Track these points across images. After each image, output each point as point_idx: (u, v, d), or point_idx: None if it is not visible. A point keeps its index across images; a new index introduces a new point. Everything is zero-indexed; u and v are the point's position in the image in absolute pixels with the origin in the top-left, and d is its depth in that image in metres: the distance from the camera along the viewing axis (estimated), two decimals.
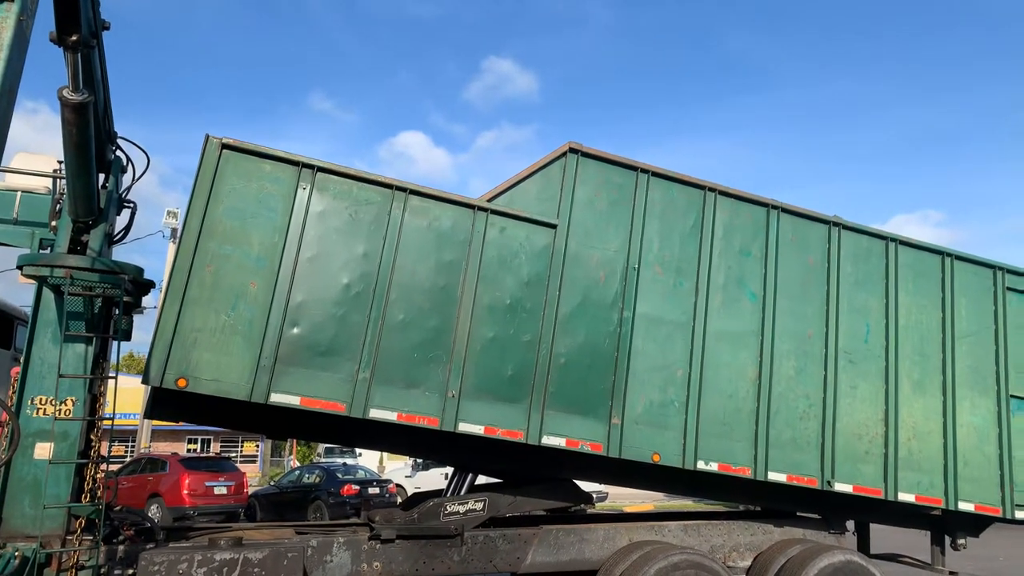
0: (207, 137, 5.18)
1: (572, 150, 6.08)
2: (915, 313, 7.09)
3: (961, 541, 7.58)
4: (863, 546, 7.74)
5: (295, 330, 5.21)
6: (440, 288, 5.61)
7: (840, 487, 6.55)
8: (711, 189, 6.51)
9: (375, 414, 5.29)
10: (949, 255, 7.31)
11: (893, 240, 7.12)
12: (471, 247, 5.70)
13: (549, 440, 5.71)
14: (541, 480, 6.71)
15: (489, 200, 5.86)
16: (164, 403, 5.70)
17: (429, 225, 5.66)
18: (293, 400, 5.13)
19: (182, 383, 4.90)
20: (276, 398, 5.08)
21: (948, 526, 7.55)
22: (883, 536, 8.02)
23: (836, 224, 6.93)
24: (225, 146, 5.19)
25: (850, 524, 7.72)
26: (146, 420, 26.29)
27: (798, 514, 7.37)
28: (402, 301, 5.49)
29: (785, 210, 6.76)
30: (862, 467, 6.67)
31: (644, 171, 6.29)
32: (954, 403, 7.06)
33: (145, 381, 4.94)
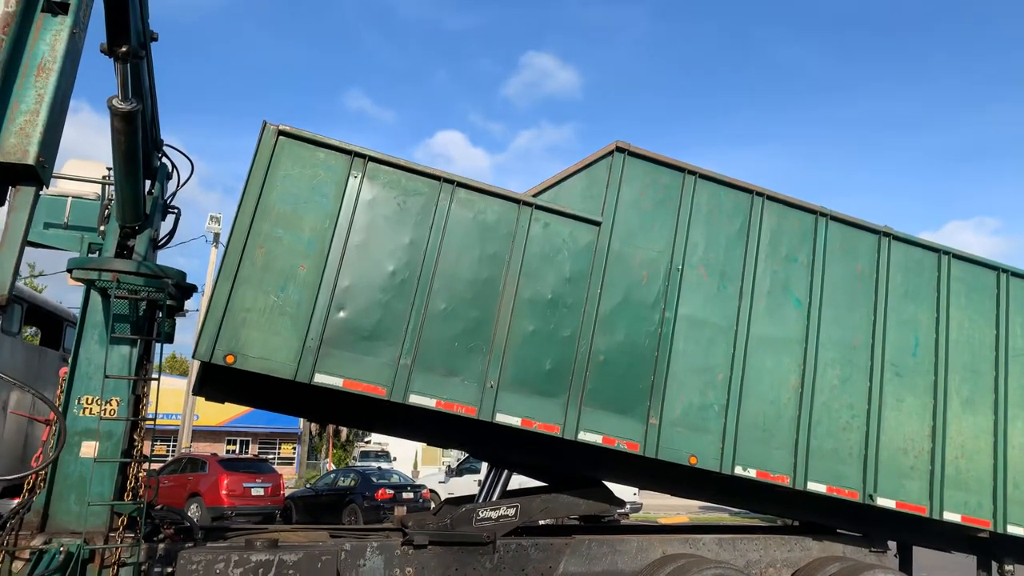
0: (264, 124, 5.36)
1: (619, 149, 6.12)
2: (967, 328, 6.90)
3: (1009, 567, 7.30)
4: (906, 568, 7.50)
5: (341, 314, 5.32)
6: (483, 280, 5.67)
7: (883, 502, 6.38)
8: (759, 194, 6.47)
9: (415, 400, 5.36)
10: (1005, 271, 7.10)
11: (946, 253, 6.96)
12: (515, 241, 5.76)
13: (585, 436, 5.70)
14: (574, 485, 6.68)
15: (534, 195, 5.91)
16: (211, 381, 5.86)
17: (474, 217, 5.74)
18: (336, 382, 5.23)
19: (230, 359, 5.05)
20: (320, 379, 5.19)
21: (995, 551, 7.28)
22: (927, 559, 7.76)
23: (887, 234, 6.81)
24: (281, 133, 5.36)
25: (892, 545, 7.50)
26: (187, 421, 26.94)
27: (838, 531, 7.19)
28: (445, 291, 5.57)
29: (834, 218, 6.66)
30: (906, 483, 6.49)
31: (691, 172, 6.28)
32: (1006, 423, 6.83)
33: (195, 356, 5.10)
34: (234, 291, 5.13)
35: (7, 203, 3.22)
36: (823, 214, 6.64)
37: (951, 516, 6.55)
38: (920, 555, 7.71)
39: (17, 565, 4.95)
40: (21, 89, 3.08)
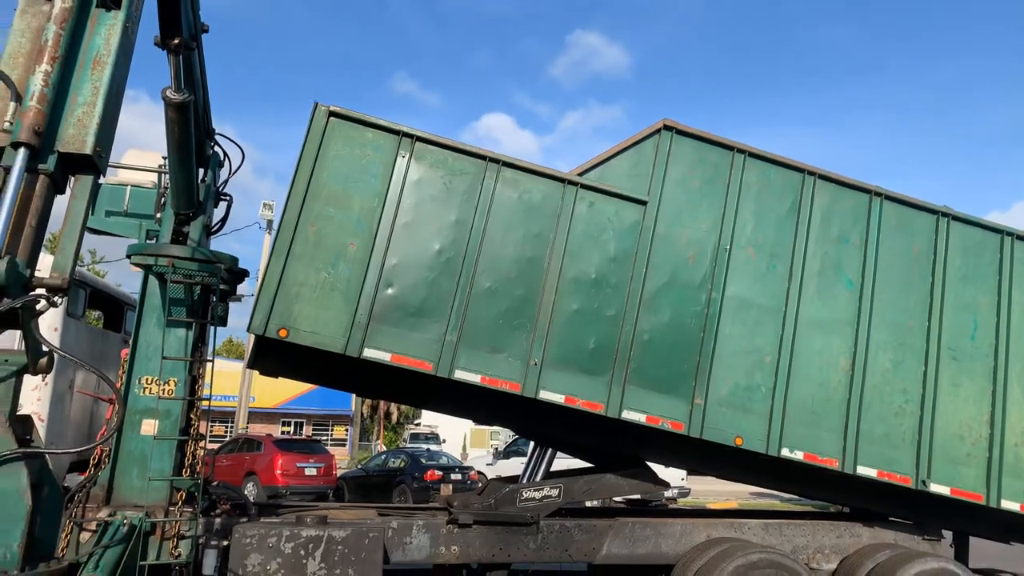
0: (316, 105, 5.50)
1: (666, 127, 6.07)
2: None
3: None
4: (961, 558, 7.28)
5: (389, 290, 5.45)
6: (527, 259, 5.72)
7: (936, 488, 6.23)
8: (810, 173, 6.34)
9: (460, 375, 5.46)
10: None
11: (1009, 234, 6.71)
12: (559, 220, 5.79)
13: (629, 415, 5.72)
14: (618, 466, 6.70)
15: (579, 175, 5.92)
16: (265, 355, 6.06)
17: (520, 197, 5.78)
18: (384, 356, 5.36)
19: (283, 333, 5.22)
20: (369, 353, 5.33)
21: None
22: (983, 549, 7.54)
23: (945, 215, 6.60)
24: (332, 114, 5.49)
25: (948, 535, 7.31)
26: (243, 402, 27.79)
27: (890, 518, 7.04)
28: (490, 269, 5.64)
29: (889, 197, 6.49)
30: (962, 469, 6.32)
31: (740, 151, 6.20)
32: None
33: (249, 330, 5.29)
34: (287, 267, 5.29)
35: (68, 191, 3.39)
36: (877, 193, 6.47)
37: (1009, 504, 6.35)
38: (977, 545, 7.49)
39: (84, 536, 5.20)
40: (78, 82, 3.24)
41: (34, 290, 3.10)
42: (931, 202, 6.63)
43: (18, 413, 3.33)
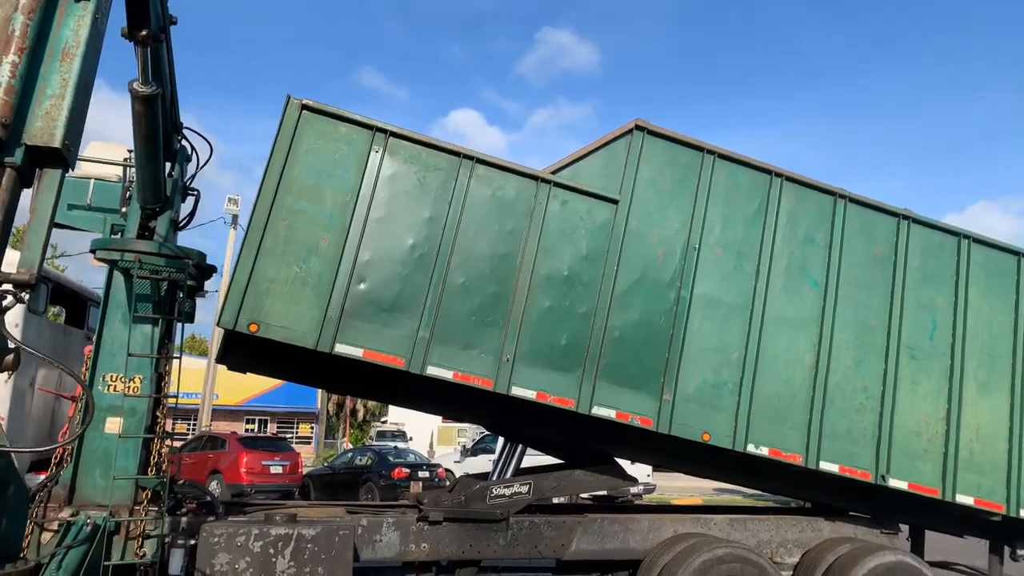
0: (288, 98, 5.45)
1: (638, 127, 6.14)
2: (986, 313, 6.88)
3: (1021, 552, 7.31)
4: (917, 550, 7.51)
5: (361, 286, 5.43)
6: (500, 256, 5.75)
7: (895, 483, 6.41)
8: (777, 174, 6.47)
9: (432, 371, 5.47)
10: None
11: (966, 237, 6.93)
12: (533, 217, 5.82)
13: (599, 411, 5.78)
14: (587, 462, 6.77)
15: (552, 173, 5.97)
16: (235, 350, 6.00)
17: (493, 194, 5.80)
18: (356, 352, 5.35)
19: (254, 328, 5.17)
20: (340, 348, 5.31)
21: (1008, 536, 7.29)
22: (938, 543, 7.79)
23: (906, 217, 6.79)
24: (305, 107, 5.45)
25: (904, 528, 7.53)
26: (207, 399, 27.36)
27: (850, 513, 7.23)
28: (463, 265, 5.65)
29: (853, 200, 6.66)
30: (919, 465, 6.51)
31: (710, 152, 6.30)
32: (1022, 408, 6.82)
33: (219, 324, 5.23)
34: (258, 262, 5.24)
35: (35, 186, 3.31)
36: (842, 196, 6.63)
37: (964, 499, 6.56)
38: (932, 540, 7.74)
39: (46, 536, 5.10)
40: (46, 74, 3.14)
41: (0, 286, 3.03)
42: (892, 205, 6.82)
43: None
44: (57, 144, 3.09)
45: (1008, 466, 6.72)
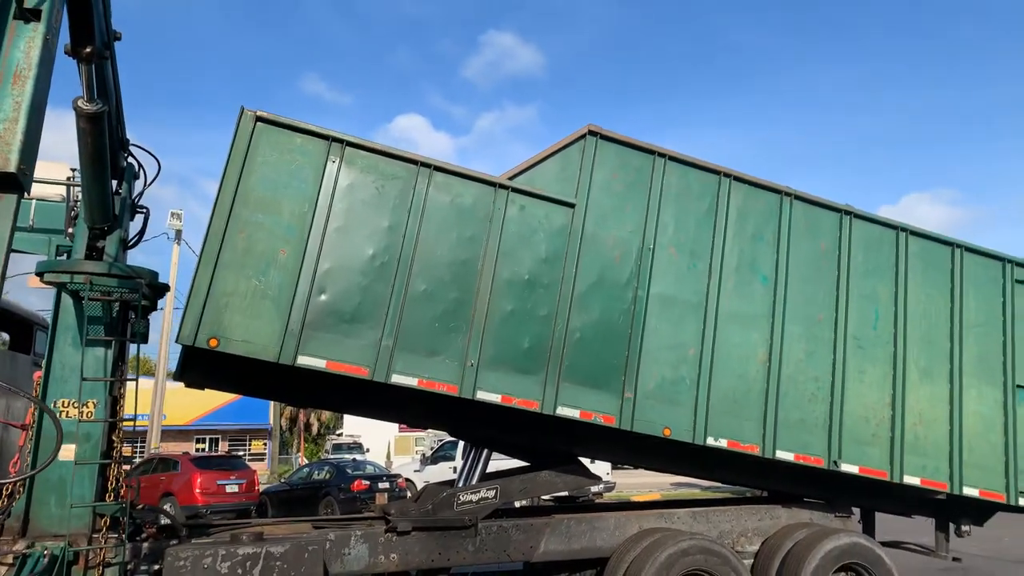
0: (242, 109, 5.39)
1: (591, 132, 6.26)
2: (924, 302, 7.22)
3: (965, 528, 7.69)
4: (869, 532, 7.83)
5: (322, 297, 5.40)
6: (461, 262, 5.79)
7: (846, 468, 6.68)
8: (726, 175, 6.67)
9: (397, 379, 5.47)
10: (959, 246, 7.43)
11: (904, 230, 7.26)
12: (492, 223, 5.88)
13: (564, 411, 5.87)
14: (552, 464, 6.85)
15: (510, 178, 6.05)
16: (193, 367, 5.88)
17: (452, 201, 5.84)
18: (319, 363, 5.31)
19: (214, 343, 5.09)
20: (303, 360, 5.27)
21: (952, 513, 7.66)
22: (888, 525, 8.13)
23: (848, 212, 7.08)
24: (259, 119, 5.39)
25: (857, 513, 7.83)
26: (155, 420, 26.56)
27: (805, 499, 7.49)
28: (425, 273, 5.67)
29: (798, 197, 6.91)
30: (868, 450, 6.79)
31: (661, 155, 6.46)
32: (961, 391, 7.18)
33: (178, 340, 5.14)
34: (216, 276, 5.16)
35: None
36: (787, 194, 6.88)
37: (911, 479, 6.88)
38: (882, 521, 8.07)
39: (1, 570, 4.94)
40: None
41: None
42: (835, 201, 7.11)
43: None
44: (12, 169, 3.02)
45: (950, 447, 7.07)
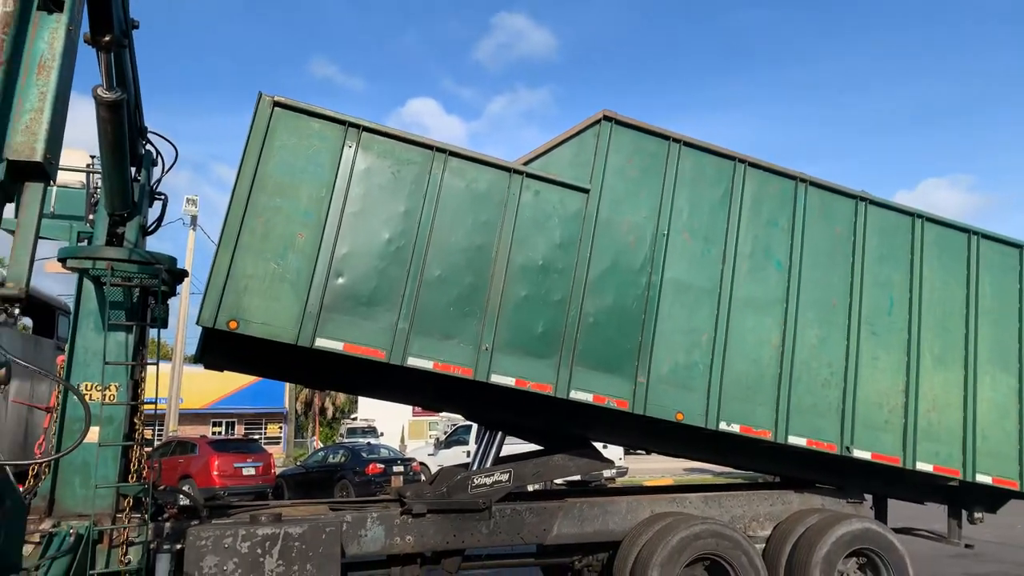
0: (260, 95, 5.45)
1: (606, 118, 6.28)
2: (939, 289, 7.19)
3: (978, 515, 7.69)
4: (881, 518, 7.84)
5: (339, 280, 5.48)
6: (476, 247, 5.84)
7: (859, 454, 6.70)
8: (741, 160, 6.67)
9: (413, 362, 5.54)
10: (975, 233, 7.39)
11: (919, 217, 7.22)
12: (506, 208, 5.92)
13: (577, 395, 5.92)
14: (565, 448, 6.92)
15: (524, 164, 6.07)
16: (213, 349, 5.99)
17: (467, 186, 5.89)
18: (337, 345, 5.40)
19: (233, 325, 5.19)
20: (321, 343, 5.35)
21: (965, 500, 7.66)
22: (900, 511, 8.15)
23: (863, 199, 7.05)
24: (277, 104, 5.46)
25: (869, 499, 7.85)
26: (174, 403, 26.92)
27: (817, 484, 7.52)
28: (440, 257, 5.73)
29: (813, 183, 6.89)
30: (881, 436, 6.80)
31: (676, 140, 6.47)
32: (975, 378, 7.16)
33: (198, 322, 5.24)
34: (235, 259, 5.25)
35: (21, 200, 3.30)
36: (802, 180, 6.86)
37: (923, 466, 6.88)
38: (894, 507, 8.09)
39: (28, 549, 5.03)
40: (24, 88, 3.12)
41: None
42: (850, 187, 7.08)
43: None
44: (39, 158, 3.08)
45: (963, 434, 7.06)
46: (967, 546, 7.75)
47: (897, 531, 7.34)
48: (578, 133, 6.29)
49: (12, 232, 6.07)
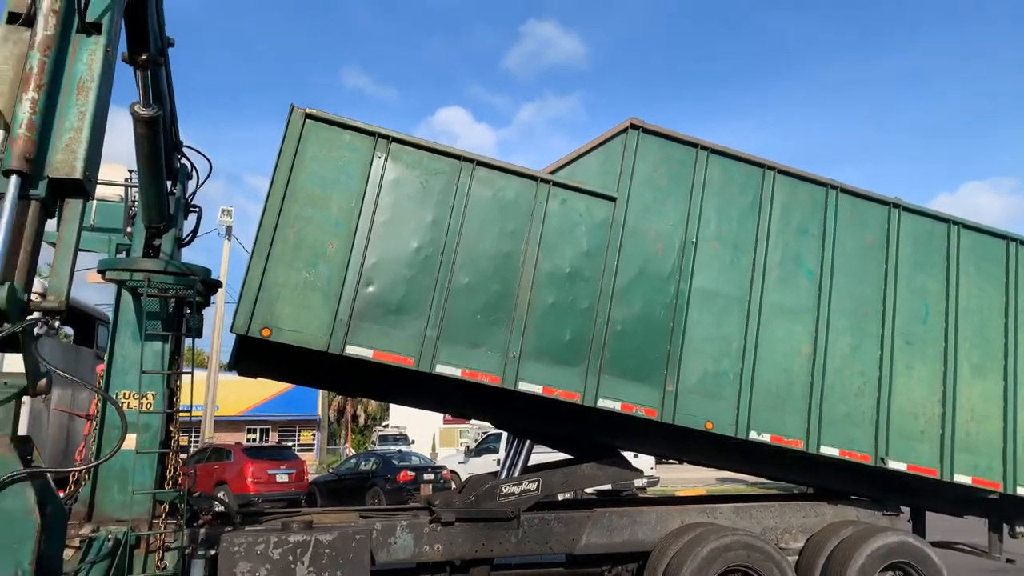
0: (292, 107, 5.58)
1: (633, 126, 6.29)
2: (976, 297, 7.04)
3: (1020, 529, 7.47)
4: (918, 531, 7.67)
5: (369, 289, 5.56)
6: (503, 255, 5.89)
7: (894, 465, 6.57)
8: (770, 168, 6.62)
9: (441, 369, 5.60)
10: (1014, 240, 7.22)
11: (955, 223, 7.09)
12: (533, 217, 5.96)
13: (605, 403, 5.92)
14: (593, 457, 6.90)
15: (551, 173, 6.11)
16: (247, 356, 6.12)
17: (494, 195, 5.94)
18: (366, 353, 5.48)
19: (266, 333, 5.30)
20: (351, 350, 5.44)
21: (1006, 513, 7.45)
22: (939, 524, 7.96)
23: (896, 205, 6.95)
24: (308, 116, 5.58)
25: (906, 512, 7.68)
26: (209, 411, 27.40)
27: (851, 496, 7.38)
28: (467, 266, 5.79)
29: (844, 190, 6.81)
30: (917, 446, 6.67)
31: (704, 148, 6.45)
32: (1016, 388, 6.98)
33: (232, 330, 5.36)
34: (268, 268, 5.37)
35: (61, 216, 3.43)
36: (833, 187, 6.78)
37: (961, 478, 6.72)
38: (932, 520, 7.90)
39: (68, 553, 5.15)
40: (64, 108, 3.26)
41: (32, 314, 3.14)
42: (883, 194, 6.97)
43: (19, 434, 3.36)
44: (79, 175, 3.20)
45: (1004, 445, 6.89)
46: (1008, 560, 7.53)
47: (935, 545, 7.17)
48: (605, 141, 6.31)
49: (52, 244, 6.34)
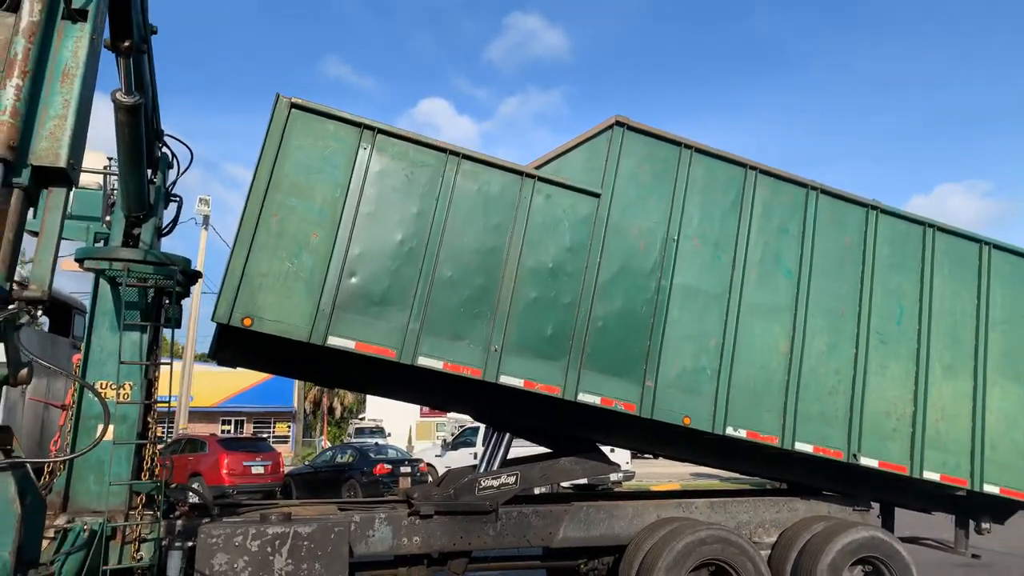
0: (277, 96, 5.54)
1: (618, 123, 6.32)
2: (949, 299, 7.18)
3: (985, 526, 7.66)
4: (888, 527, 7.83)
5: (352, 280, 5.55)
6: (487, 249, 5.90)
7: (866, 461, 6.70)
8: (752, 168, 6.70)
9: (423, 362, 5.61)
10: (987, 243, 7.37)
11: (931, 226, 7.22)
12: (518, 211, 5.98)
13: (585, 397, 5.97)
14: (570, 451, 6.96)
15: (536, 168, 6.13)
16: (227, 346, 6.08)
17: (479, 189, 5.95)
18: (348, 344, 5.47)
19: (247, 322, 5.27)
20: (333, 341, 5.43)
21: (973, 510, 7.64)
22: (907, 521, 8.13)
23: (874, 208, 7.06)
24: (294, 105, 5.54)
25: (876, 508, 7.84)
26: (183, 401, 27.10)
27: (823, 492, 7.52)
28: (451, 259, 5.79)
29: (824, 191, 6.91)
30: (889, 444, 6.80)
31: (688, 147, 6.50)
32: (984, 388, 7.14)
33: (213, 319, 5.32)
34: (250, 258, 5.34)
35: (44, 204, 3.39)
36: (813, 187, 6.88)
37: (930, 475, 6.87)
38: (901, 516, 8.07)
39: (43, 544, 5.18)
40: (48, 95, 3.20)
41: (14, 303, 3.10)
42: (862, 195, 7.09)
43: None
44: (63, 164, 3.16)
45: (972, 444, 7.04)
46: (974, 556, 7.73)
47: (903, 540, 7.33)
48: (590, 138, 6.35)
49: (35, 234, 6.25)
